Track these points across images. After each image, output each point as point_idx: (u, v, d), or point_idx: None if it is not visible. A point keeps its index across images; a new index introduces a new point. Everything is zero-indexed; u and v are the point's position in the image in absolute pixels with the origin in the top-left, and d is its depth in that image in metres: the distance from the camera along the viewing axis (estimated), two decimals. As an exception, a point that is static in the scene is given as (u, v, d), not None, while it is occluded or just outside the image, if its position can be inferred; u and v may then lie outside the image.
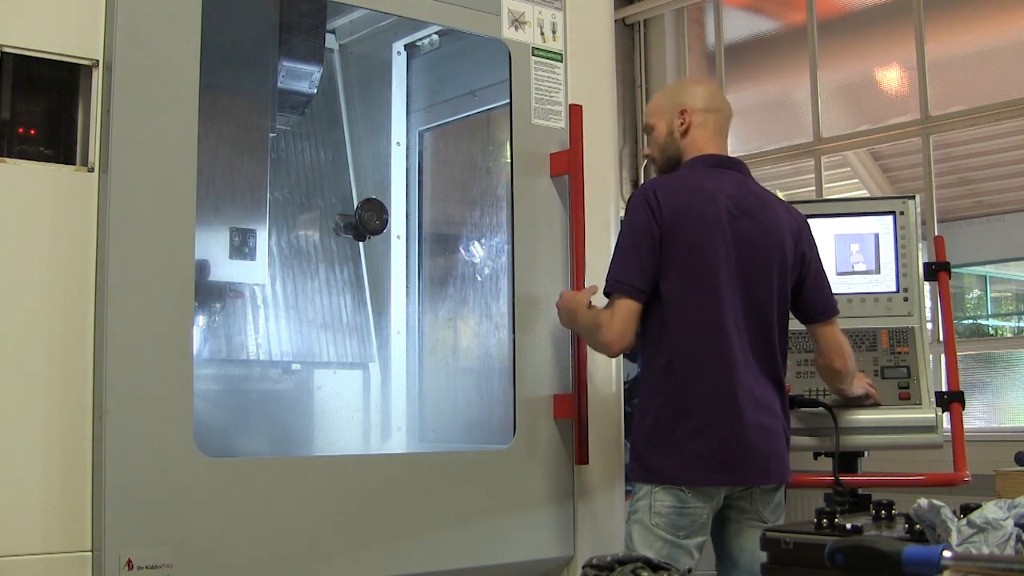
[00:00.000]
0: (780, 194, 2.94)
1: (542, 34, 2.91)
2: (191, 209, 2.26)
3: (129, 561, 2.08)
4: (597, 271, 2.70)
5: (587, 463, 2.77)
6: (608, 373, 2.95)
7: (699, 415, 2.49)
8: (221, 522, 2.24)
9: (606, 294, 2.57)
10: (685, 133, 2.67)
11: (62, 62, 2.21)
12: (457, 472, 2.65)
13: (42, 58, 2.19)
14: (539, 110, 2.87)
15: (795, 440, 3.15)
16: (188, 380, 2.22)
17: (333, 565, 2.39)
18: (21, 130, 2.22)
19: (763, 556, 2.53)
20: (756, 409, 2.54)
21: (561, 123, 2.89)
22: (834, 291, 3.26)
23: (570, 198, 2.84)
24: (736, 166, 2.70)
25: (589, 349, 2.76)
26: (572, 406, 2.76)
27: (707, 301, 2.52)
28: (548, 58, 2.91)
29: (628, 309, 2.51)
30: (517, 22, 2.86)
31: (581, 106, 2.88)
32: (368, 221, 3.13)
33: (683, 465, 2.49)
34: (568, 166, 2.84)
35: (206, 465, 2.22)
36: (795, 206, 2.84)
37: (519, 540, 2.69)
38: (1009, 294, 9.82)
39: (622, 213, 2.77)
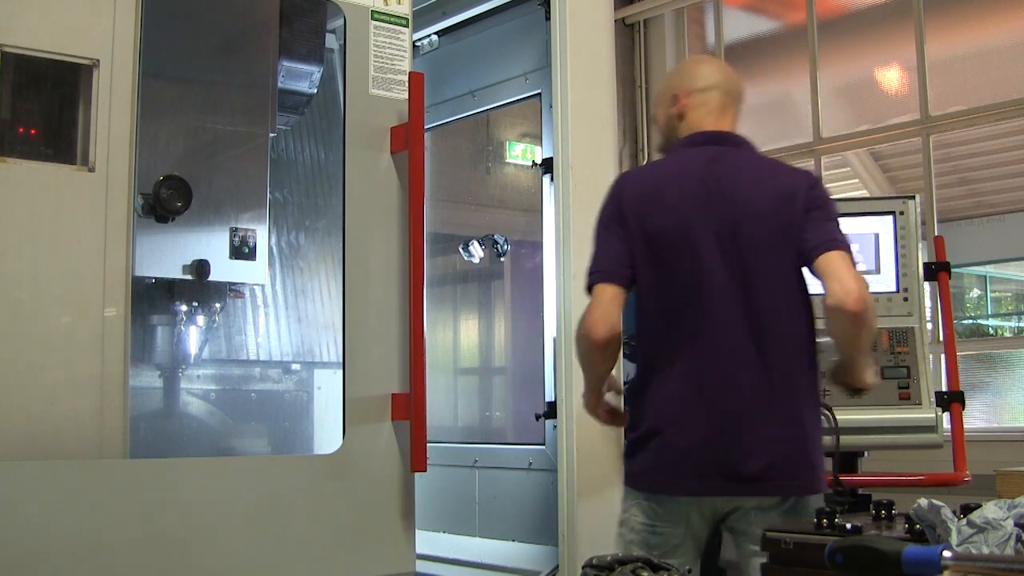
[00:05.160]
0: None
1: None
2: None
3: None
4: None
5: (424, 470, 2.49)
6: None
7: (669, 413, 2.32)
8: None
9: (588, 290, 2.42)
10: (681, 117, 2.55)
11: (62, 62, 2.21)
12: (271, 480, 2.40)
13: (42, 58, 2.19)
14: (379, 79, 2.62)
15: (795, 440, 3.15)
16: None
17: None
18: (21, 130, 2.22)
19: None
20: (745, 402, 2.31)
21: (404, 94, 2.62)
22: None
23: (408, 176, 2.55)
24: (721, 140, 2.53)
25: (428, 343, 2.57)
26: (407, 407, 2.50)
27: (686, 286, 2.34)
28: (390, 23, 2.65)
29: (606, 293, 2.37)
30: (355, -18, 2.62)
31: (422, 74, 2.61)
32: (168, 201, 2.71)
33: (643, 470, 2.34)
34: (406, 141, 2.57)
35: None
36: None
37: (345, 556, 2.43)
38: (1009, 294, 9.82)
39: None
